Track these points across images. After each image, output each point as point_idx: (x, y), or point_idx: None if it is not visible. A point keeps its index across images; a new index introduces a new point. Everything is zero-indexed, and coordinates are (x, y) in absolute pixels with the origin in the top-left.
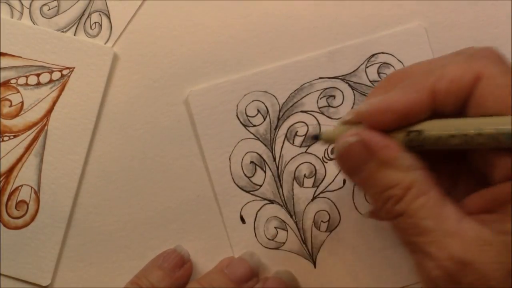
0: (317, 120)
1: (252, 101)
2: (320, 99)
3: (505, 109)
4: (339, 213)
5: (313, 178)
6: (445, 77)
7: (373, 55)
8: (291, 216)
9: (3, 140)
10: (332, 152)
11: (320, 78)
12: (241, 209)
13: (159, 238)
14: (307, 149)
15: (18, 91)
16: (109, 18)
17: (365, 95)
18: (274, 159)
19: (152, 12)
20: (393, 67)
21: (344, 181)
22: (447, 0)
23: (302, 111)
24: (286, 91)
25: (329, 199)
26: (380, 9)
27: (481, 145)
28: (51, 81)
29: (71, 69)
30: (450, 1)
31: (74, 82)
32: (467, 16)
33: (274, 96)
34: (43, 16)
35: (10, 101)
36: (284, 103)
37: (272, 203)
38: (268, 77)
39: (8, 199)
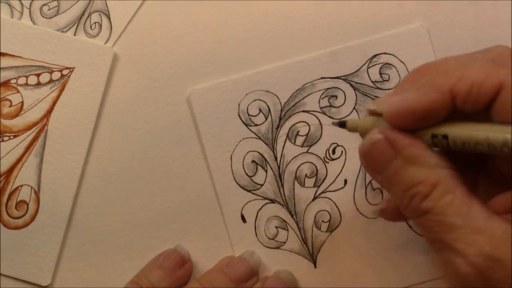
0: (319, 120)
1: (254, 100)
2: (322, 99)
3: None
4: (340, 213)
5: (314, 178)
6: (466, 79)
7: (375, 56)
8: (292, 216)
9: (3, 140)
10: (333, 152)
11: (322, 78)
12: (242, 208)
13: (159, 238)
14: (308, 149)
15: (18, 91)
16: (109, 18)
17: (367, 95)
18: (276, 159)
19: (152, 12)
20: (395, 67)
21: (345, 182)
22: (448, 0)
23: (303, 111)
24: (288, 90)
25: (330, 199)
26: (380, 9)
27: (506, 153)
28: (51, 81)
29: (71, 69)
30: (450, 1)
31: (74, 82)
32: (467, 16)
33: (276, 96)
34: (43, 16)
35: (10, 101)
36: (286, 102)
37: (273, 202)
38: (270, 76)
39: (8, 199)
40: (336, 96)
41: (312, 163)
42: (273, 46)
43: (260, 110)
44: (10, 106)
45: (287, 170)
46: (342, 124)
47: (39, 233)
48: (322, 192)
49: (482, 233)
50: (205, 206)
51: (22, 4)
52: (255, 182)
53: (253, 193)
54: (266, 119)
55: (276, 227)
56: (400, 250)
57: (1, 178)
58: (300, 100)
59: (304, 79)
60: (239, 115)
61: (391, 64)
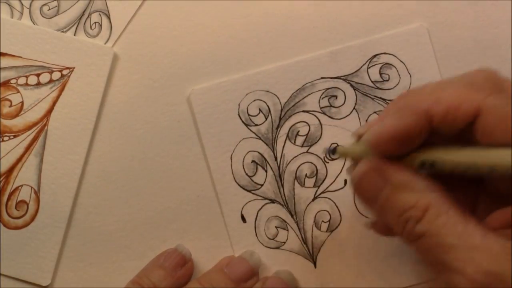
0: (319, 120)
1: (254, 100)
2: (322, 99)
3: None
4: (340, 213)
5: (314, 178)
6: (442, 102)
7: (375, 56)
8: (292, 216)
9: (3, 140)
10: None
11: (322, 78)
12: (242, 208)
13: (159, 238)
14: (308, 149)
15: (18, 91)
16: (109, 18)
17: (367, 95)
18: (276, 159)
19: (152, 12)
20: (395, 67)
21: (345, 182)
22: (448, 0)
23: (303, 111)
24: (288, 90)
25: (330, 199)
26: (380, 9)
27: (494, 176)
28: (51, 81)
29: (71, 69)
30: (450, 1)
31: (74, 82)
32: (467, 16)
33: (276, 96)
34: (43, 16)
35: (10, 101)
36: (286, 102)
37: (273, 202)
38: (270, 76)
39: (8, 199)
40: (336, 96)
41: (312, 163)
42: (273, 46)
43: (260, 110)
44: (10, 106)
45: (287, 170)
46: (332, 151)
47: (39, 233)
48: (322, 192)
49: (479, 250)
50: (205, 206)
51: (22, 4)
52: (255, 182)
53: (253, 193)
54: (266, 119)
55: (276, 227)
56: (400, 250)
57: (1, 178)
58: (300, 100)
59: (304, 79)
60: (239, 115)
61: (391, 64)
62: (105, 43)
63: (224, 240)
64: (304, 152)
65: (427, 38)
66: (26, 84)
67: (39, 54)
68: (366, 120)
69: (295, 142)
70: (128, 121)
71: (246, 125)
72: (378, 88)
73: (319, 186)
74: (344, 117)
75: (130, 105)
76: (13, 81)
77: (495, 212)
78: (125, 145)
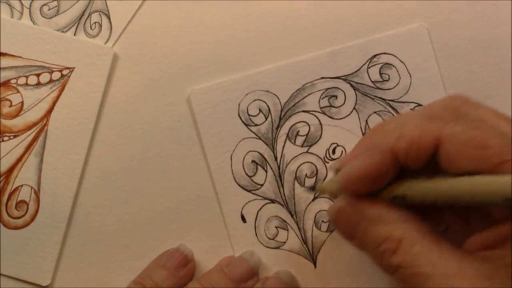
0: (319, 120)
1: (254, 100)
2: (322, 99)
3: (478, 164)
4: None
5: (314, 178)
6: (403, 138)
7: (375, 56)
8: (292, 216)
9: (3, 140)
10: (312, 189)
11: (322, 78)
12: (242, 208)
13: (159, 238)
14: (308, 149)
15: (18, 91)
16: (109, 18)
17: (367, 95)
18: (276, 159)
19: (152, 12)
20: (395, 67)
21: None
22: (448, 0)
23: (303, 111)
24: (288, 90)
25: (330, 199)
26: (380, 9)
27: (463, 205)
28: (51, 81)
29: (71, 69)
30: (450, 1)
31: (74, 82)
32: (467, 16)
33: (276, 96)
34: (43, 16)
35: (10, 101)
36: (285, 102)
37: (273, 202)
38: (270, 76)
39: (8, 199)
40: (336, 96)
41: (312, 163)
42: (273, 46)
43: (260, 110)
44: (10, 106)
45: (287, 170)
46: (312, 188)
47: (39, 233)
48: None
49: (456, 276)
50: (205, 206)
51: (22, 4)
52: (255, 182)
53: (253, 193)
54: (266, 119)
55: (276, 227)
56: None
57: (1, 178)
58: (300, 100)
59: (304, 79)
60: (239, 115)
61: (391, 64)
62: (105, 43)
63: (224, 240)
64: (304, 152)
65: (427, 38)
66: (26, 84)
67: (39, 54)
68: (366, 121)
69: (295, 142)
70: (128, 121)
71: (246, 125)
72: (378, 88)
73: None
74: (344, 117)
75: (130, 105)
76: (13, 81)
77: (474, 235)
78: (125, 145)
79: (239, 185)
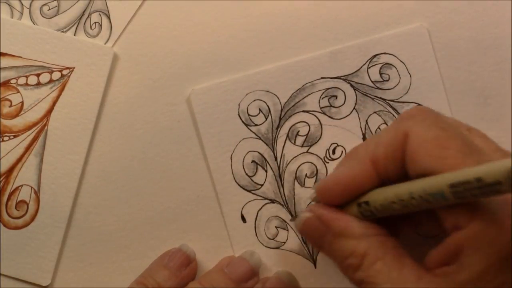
0: (319, 120)
1: (254, 100)
2: (322, 99)
3: (435, 162)
4: None
5: (315, 178)
6: (380, 144)
7: (375, 56)
8: (292, 216)
9: (3, 140)
10: (333, 152)
11: (322, 78)
12: (242, 208)
13: (159, 238)
14: (308, 149)
15: (18, 91)
16: (109, 18)
17: (367, 95)
18: (276, 159)
19: (152, 12)
20: (395, 67)
21: None
22: (448, 0)
23: (303, 111)
24: (288, 90)
25: None
26: (380, 9)
27: (417, 207)
28: (51, 81)
29: (71, 69)
30: (450, 1)
31: (74, 82)
32: (467, 16)
33: (276, 96)
34: (43, 16)
35: (10, 101)
36: (285, 102)
37: (273, 202)
38: (270, 76)
39: (8, 199)
40: (336, 96)
41: (312, 163)
42: (273, 46)
43: (260, 110)
44: (10, 106)
45: (287, 170)
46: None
47: (39, 233)
48: None
49: None
50: (205, 206)
51: (22, 4)
52: (255, 182)
53: (253, 193)
54: (266, 119)
55: (276, 227)
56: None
57: (1, 178)
58: (300, 100)
59: (304, 79)
60: (239, 115)
61: (391, 64)
62: (105, 43)
63: (224, 240)
64: (304, 152)
65: (427, 38)
66: (26, 84)
67: (39, 54)
68: (366, 121)
69: (295, 142)
70: (128, 121)
71: (246, 125)
72: (378, 88)
73: None
74: (344, 117)
75: (130, 105)
76: (13, 81)
77: (432, 250)
78: (125, 145)
79: (239, 185)
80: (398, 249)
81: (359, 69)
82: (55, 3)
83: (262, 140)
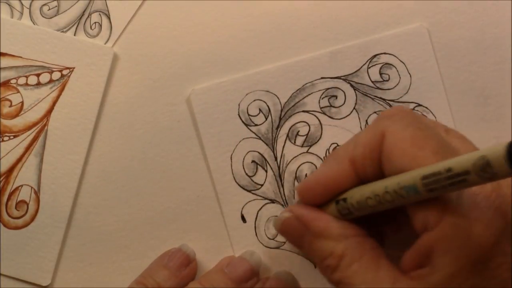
0: (319, 120)
1: (254, 100)
2: (322, 99)
3: (410, 161)
4: None
5: None
6: (358, 144)
7: (375, 56)
8: None
9: (3, 140)
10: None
11: (322, 78)
12: (242, 208)
13: (159, 238)
14: (308, 149)
15: (18, 91)
16: (109, 18)
17: (367, 95)
18: (276, 159)
19: (152, 12)
20: (395, 67)
21: None
22: (447, 0)
23: (304, 111)
24: (288, 90)
25: None
26: (380, 9)
27: (391, 203)
28: (51, 81)
29: (71, 69)
30: (450, 1)
31: (74, 82)
32: (467, 16)
33: (276, 96)
34: (43, 16)
35: (10, 101)
36: (286, 102)
37: (273, 202)
38: (270, 76)
39: (8, 199)
40: (336, 96)
41: (312, 163)
42: (273, 46)
43: (260, 110)
44: (10, 106)
45: (287, 170)
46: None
47: (39, 233)
48: None
49: None
50: (205, 206)
51: (22, 4)
52: (255, 182)
53: (253, 193)
54: (266, 119)
55: None
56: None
57: (1, 178)
58: (300, 100)
59: (304, 79)
60: (239, 115)
61: (391, 64)
62: (105, 43)
63: (224, 240)
64: (304, 152)
65: (427, 38)
66: (26, 84)
67: (39, 54)
68: (366, 121)
69: (295, 142)
70: (128, 121)
71: (246, 125)
72: (378, 88)
73: None
74: (344, 117)
75: (130, 105)
76: (13, 81)
77: (406, 252)
78: (125, 145)
79: (239, 185)
80: (376, 250)
81: (359, 69)
82: (55, 3)
83: (262, 140)
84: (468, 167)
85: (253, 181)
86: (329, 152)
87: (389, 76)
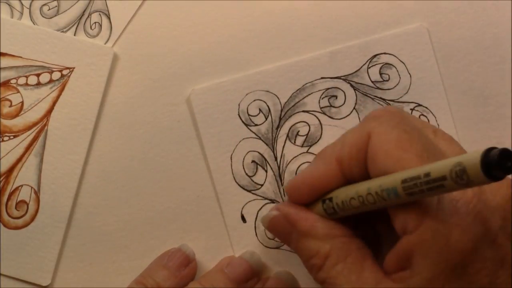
0: (319, 120)
1: (254, 100)
2: (322, 99)
3: (394, 163)
4: None
5: None
6: (345, 144)
7: (375, 56)
8: None
9: (3, 140)
10: None
11: (322, 78)
12: (242, 208)
13: (159, 238)
14: (308, 149)
15: (18, 91)
16: (109, 18)
17: (367, 95)
18: (276, 159)
19: (152, 12)
20: (395, 67)
21: None
22: (448, 0)
23: (304, 111)
24: (288, 90)
25: None
26: (380, 9)
27: (374, 204)
28: (51, 81)
29: (71, 69)
30: (450, 1)
31: (74, 82)
32: (467, 16)
33: (276, 96)
34: (43, 16)
35: (10, 101)
36: (286, 102)
37: (273, 202)
38: (270, 76)
39: (8, 199)
40: (336, 96)
41: None
42: (273, 46)
43: (260, 110)
44: (10, 106)
45: (287, 170)
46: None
47: (39, 233)
48: None
49: None
50: (205, 206)
51: (22, 4)
52: (255, 182)
53: (253, 193)
54: (266, 119)
55: None
56: None
57: (1, 178)
58: (300, 100)
59: (304, 79)
60: (239, 115)
61: (391, 64)
62: (105, 43)
63: (224, 240)
64: (304, 152)
65: (427, 38)
66: (26, 84)
67: (39, 54)
68: None
69: (295, 142)
70: (128, 121)
71: (246, 125)
72: (378, 88)
73: None
74: (344, 117)
75: (130, 105)
76: (13, 81)
77: (388, 255)
78: (125, 145)
79: (239, 185)
80: (361, 250)
81: (359, 69)
82: (55, 3)
83: (262, 140)
84: (445, 173)
85: (253, 181)
86: None
87: (389, 76)
